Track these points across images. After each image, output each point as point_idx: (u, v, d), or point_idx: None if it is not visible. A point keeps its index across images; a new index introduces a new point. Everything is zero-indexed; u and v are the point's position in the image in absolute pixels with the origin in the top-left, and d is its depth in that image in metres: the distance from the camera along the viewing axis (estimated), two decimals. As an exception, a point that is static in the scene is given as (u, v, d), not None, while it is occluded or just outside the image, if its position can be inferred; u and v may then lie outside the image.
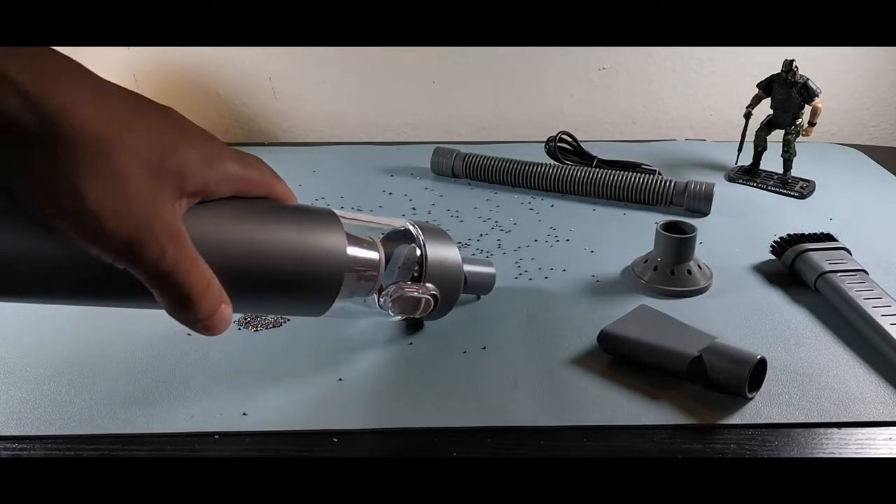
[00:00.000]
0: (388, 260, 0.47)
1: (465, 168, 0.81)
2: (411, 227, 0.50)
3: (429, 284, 0.48)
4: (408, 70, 0.98)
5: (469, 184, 0.81)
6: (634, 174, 0.76)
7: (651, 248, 0.60)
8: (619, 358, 0.50)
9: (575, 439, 0.44)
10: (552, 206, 0.75)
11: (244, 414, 0.45)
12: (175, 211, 0.33)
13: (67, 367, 0.49)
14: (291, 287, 0.40)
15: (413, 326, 0.54)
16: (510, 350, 0.51)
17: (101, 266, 0.32)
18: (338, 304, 0.44)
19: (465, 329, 0.53)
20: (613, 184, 0.75)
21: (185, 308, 0.34)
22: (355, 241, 0.44)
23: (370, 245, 0.46)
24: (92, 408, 0.46)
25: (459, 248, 0.66)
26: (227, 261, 0.36)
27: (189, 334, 0.53)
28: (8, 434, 0.43)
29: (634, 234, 0.68)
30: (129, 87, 0.32)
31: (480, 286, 0.57)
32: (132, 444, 0.43)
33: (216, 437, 0.44)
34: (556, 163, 0.80)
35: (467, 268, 0.53)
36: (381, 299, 0.47)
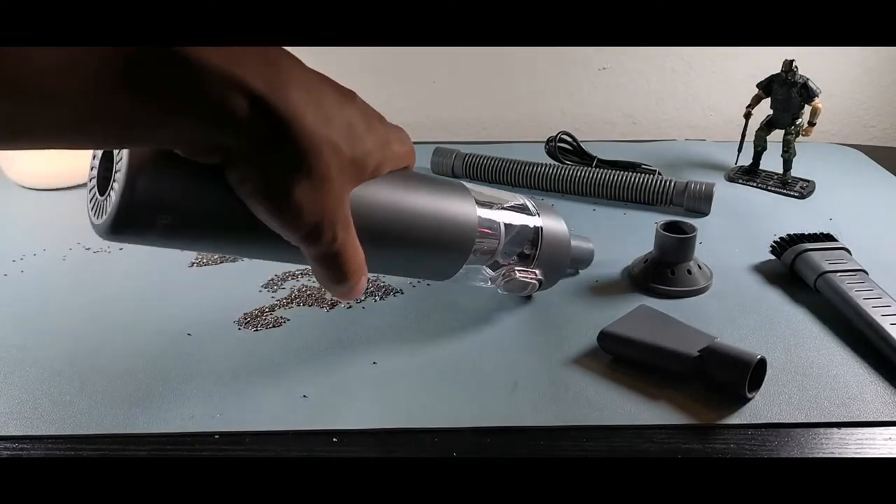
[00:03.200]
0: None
1: (465, 168, 0.81)
2: (529, 204, 0.53)
3: (537, 270, 0.52)
4: (408, 70, 0.98)
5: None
6: (634, 174, 0.76)
7: (651, 248, 0.60)
8: (619, 358, 0.50)
9: (575, 439, 0.44)
10: (552, 206, 0.75)
11: (244, 414, 0.45)
12: (349, 198, 0.36)
13: (67, 367, 0.49)
14: (433, 248, 0.45)
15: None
16: (510, 350, 0.51)
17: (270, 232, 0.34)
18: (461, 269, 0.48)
19: (466, 329, 0.54)
20: (613, 184, 0.75)
21: (339, 283, 0.37)
22: (483, 205, 0.48)
23: (495, 211, 0.50)
24: (92, 408, 0.46)
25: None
26: (376, 227, 0.40)
27: (189, 334, 0.53)
28: (8, 434, 0.44)
29: (634, 234, 0.68)
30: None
31: (580, 260, 0.60)
32: (132, 444, 0.43)
33: (216, 437, 0.44)
34: (556, 163, 0.80)
35: (573, 243, 0.56)
36: (494, 276, 0.51)
